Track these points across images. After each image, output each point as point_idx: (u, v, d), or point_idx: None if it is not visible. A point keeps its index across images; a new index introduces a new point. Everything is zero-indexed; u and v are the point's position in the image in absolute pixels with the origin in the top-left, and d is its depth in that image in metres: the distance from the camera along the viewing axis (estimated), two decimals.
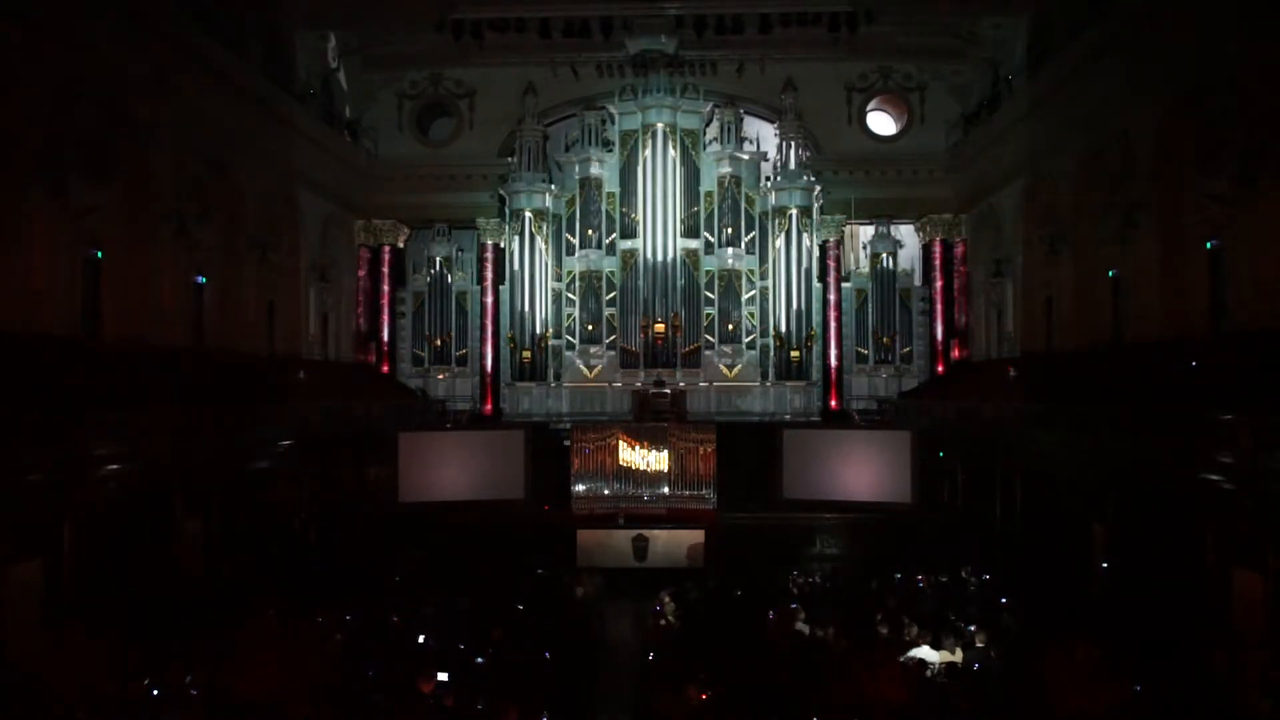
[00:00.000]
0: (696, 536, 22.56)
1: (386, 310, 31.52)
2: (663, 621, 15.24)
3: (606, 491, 24.10)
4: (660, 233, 29.80)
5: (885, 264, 30.52)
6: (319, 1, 26.80)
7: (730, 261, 30.10)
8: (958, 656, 12.03)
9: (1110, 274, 21.56)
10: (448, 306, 31.23)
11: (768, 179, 30.33)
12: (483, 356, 31.24)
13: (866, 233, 31.33)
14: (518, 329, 30.15)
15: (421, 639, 12.94)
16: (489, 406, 30.92)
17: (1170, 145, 18.44)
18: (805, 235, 29.75)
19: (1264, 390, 12.39)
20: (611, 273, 30.42)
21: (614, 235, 30.38)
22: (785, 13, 27.44)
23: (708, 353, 30.15)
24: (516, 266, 30.33)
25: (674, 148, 29.84)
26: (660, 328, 29.47)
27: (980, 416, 21.22)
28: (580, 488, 24.14)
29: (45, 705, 9.92)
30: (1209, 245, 17.86)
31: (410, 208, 31.27)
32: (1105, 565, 16.14)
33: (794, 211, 29.57)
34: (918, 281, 30.98)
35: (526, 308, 30.16)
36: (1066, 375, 21.10)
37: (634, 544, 22.53)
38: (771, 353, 29.91)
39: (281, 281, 26.10)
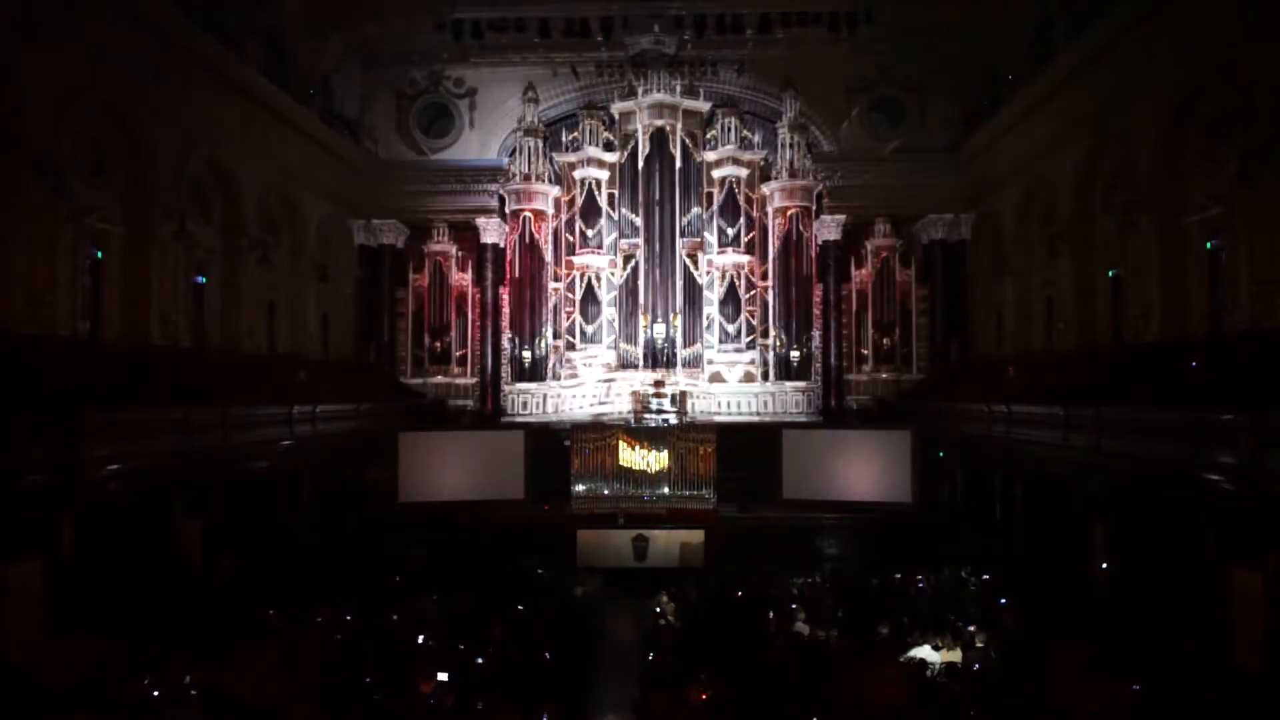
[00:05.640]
0: (696, 536, 22.56)
1: (386, 310, 31.52)
2: (663, 621, 15.26)
3: (606, 492, 24.06)
4: (660, 232, 29.80)
5: (886, 264, 30.51)
6: (319, 1, 26.83)
7: (730, 261, 30.11)
8: (958, 656, 12.03)
9: (1110, 274, 21.58)
10: (448, 307, 31.23)
11: (768, 179, 30.30)
12: (483, 356, 31.23)
13: (867, 232, 31.28)
14: (517, 329, 30.12)
15: (421, 639, 12.94)
16: (489, 406, 30.92)
17: (1170, 145, 18.45)
18: (805, 235, 29.72)
19: (1264, 390, 12.37)
20: (611, 273, 30.42)
21: (614, 235, 30.38)
22: (785, 12, 27.50)
23: (708, 353, 30.14)
24: (516, 267, 30.31)
25: (674, 148, 29.81)
26: (660, 328, 29.47)
27: (980, 416, 21.20)
28: (580, 488, 24.11)
29: (45, 705, 9.94)
30: (1209, 245, 17.89)
31: (410, 208, 31.27)
32: (1105, 566, 16.13)
33: (794, 211, 29.54)
34: (918, 281, 30.95)
35: (526, 308, 30.13)
36: (1066, 375, 21.09)
37: (634, 544, 22.54)
38: (771, 353, 29.88)
39: (281, 281, 26.17)
